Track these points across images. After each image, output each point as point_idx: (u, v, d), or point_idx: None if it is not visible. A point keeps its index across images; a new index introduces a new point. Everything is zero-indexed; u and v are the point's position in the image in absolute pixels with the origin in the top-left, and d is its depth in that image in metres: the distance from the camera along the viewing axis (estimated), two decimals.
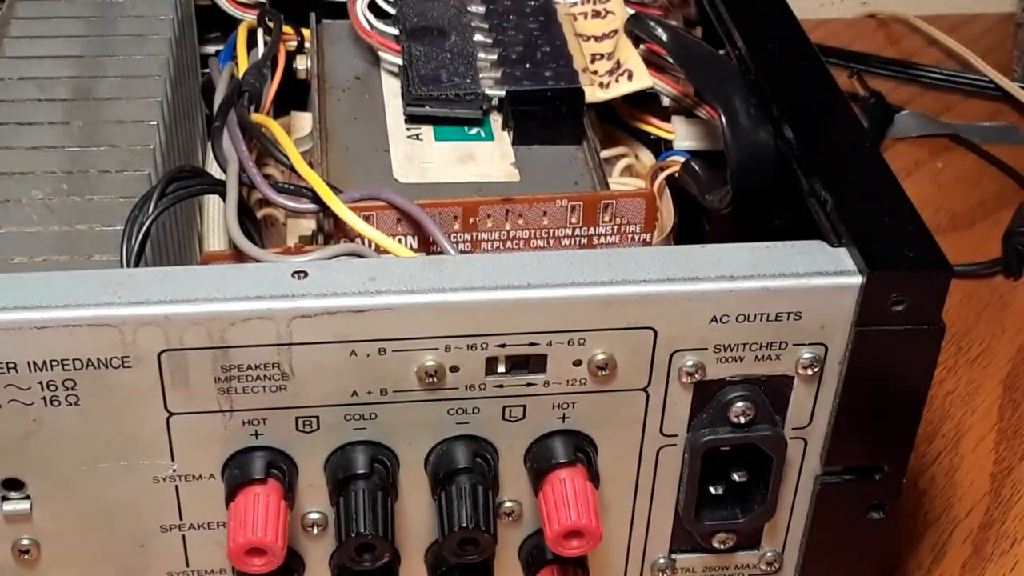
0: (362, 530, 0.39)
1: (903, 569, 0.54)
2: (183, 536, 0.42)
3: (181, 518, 0.42)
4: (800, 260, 0.40)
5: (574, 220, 0.45)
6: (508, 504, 0.43)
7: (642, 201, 0.45)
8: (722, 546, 0.44)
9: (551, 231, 0.46)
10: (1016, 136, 0.82)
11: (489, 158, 0.49)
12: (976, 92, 0.86)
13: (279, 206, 0.44)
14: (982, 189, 0.77)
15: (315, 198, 0.43)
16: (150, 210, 0.42)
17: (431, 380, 0.39)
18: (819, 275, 0.39)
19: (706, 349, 0.40)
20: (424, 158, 0.49)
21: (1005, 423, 0.62)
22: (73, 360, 0.38)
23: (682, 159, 0.51)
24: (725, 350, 0.40)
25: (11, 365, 0.38)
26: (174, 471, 0.41)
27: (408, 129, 0.51)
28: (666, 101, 0.53)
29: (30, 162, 0.47)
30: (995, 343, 0.67)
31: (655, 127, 0.54)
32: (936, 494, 0.58)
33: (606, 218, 0.45)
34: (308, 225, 0.49)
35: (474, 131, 0.51)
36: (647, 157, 0.55)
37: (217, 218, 0.52)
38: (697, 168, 0.50)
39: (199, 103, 0.60)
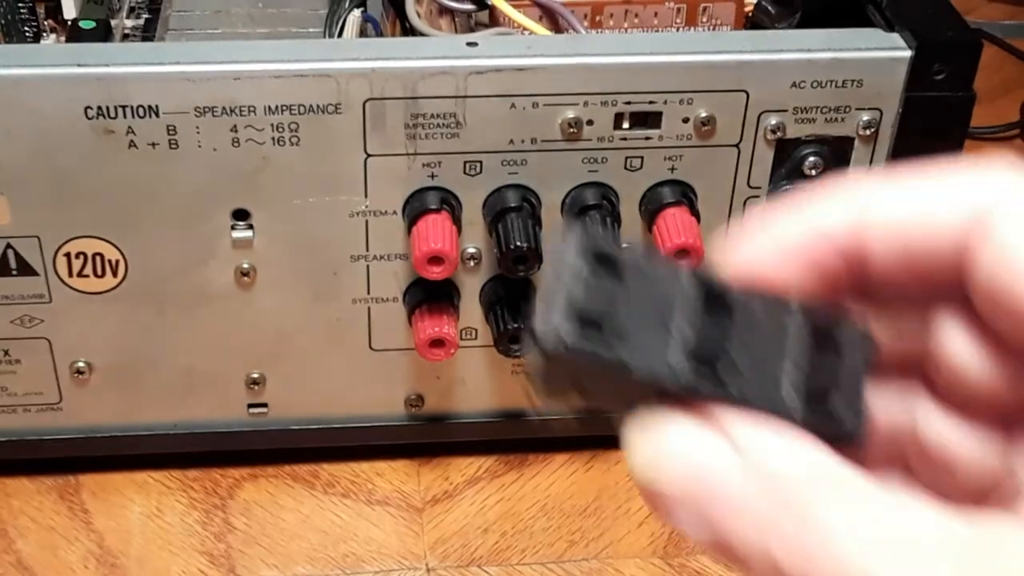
0: (519, 243, 0.50)
1: None
2: (367, 266, 0.53)
3: (368, 250, 0.53)
4: (863, 39, 0.51)
5: (679, 20, 0.56)
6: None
7: (733, 5, 0.56)
8: None
9: (660, 30, 0.56)
10: None
11: None
12: None
13: (449, 8, 0.54)
14: (1004, 73, 0.87)
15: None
16: (346, 6, 0.53)
17: (572, 131, 0.50)
18: (878, 49, 0.50)
19: (786, 111, 0.51)
20: None
21: None
22: (298, 105, 0.49)
23: (754, 3, 0.62)
24: (802, 112, 0.51)
25: (251, 108, 0.49)
26: (366, 207, 0.52)
27: None
28: None
29: None
30: None
31: None
32: None
33: (704, 19, 0.56)
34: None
35: None
36: None
37: None
38: (767, 5, 0.61)
39: None
